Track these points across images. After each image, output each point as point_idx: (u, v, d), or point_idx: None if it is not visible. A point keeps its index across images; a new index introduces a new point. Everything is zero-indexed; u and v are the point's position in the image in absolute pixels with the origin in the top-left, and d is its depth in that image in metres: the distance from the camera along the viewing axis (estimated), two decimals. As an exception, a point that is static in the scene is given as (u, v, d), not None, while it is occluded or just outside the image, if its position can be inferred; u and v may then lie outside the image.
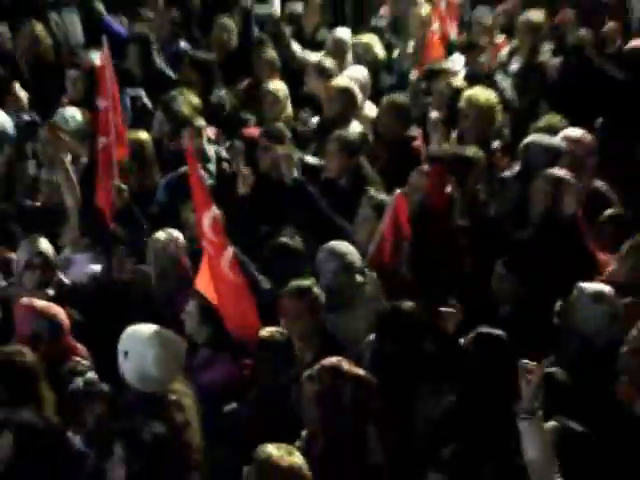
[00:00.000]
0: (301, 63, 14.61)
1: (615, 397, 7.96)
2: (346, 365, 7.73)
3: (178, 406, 8.02)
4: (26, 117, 12.87)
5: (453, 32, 14.85)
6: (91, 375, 8.25)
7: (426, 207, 9.82)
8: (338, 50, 14.31)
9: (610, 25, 14.46)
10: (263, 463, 6.88)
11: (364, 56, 14.13)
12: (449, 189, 10.11)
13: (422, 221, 9.70)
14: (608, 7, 15.99)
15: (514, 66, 13.62)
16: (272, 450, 6.90)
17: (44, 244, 9.94)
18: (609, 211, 10.45)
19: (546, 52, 13.77)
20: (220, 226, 9.14)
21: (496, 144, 11.73)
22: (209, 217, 9.02)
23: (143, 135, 11.54)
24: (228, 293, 9.01)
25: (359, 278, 9.35)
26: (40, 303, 8.91)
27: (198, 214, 9.23)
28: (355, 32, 15.24)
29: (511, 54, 13.97)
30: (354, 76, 12.95)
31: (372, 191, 10.42)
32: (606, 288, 8.67)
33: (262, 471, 6.89)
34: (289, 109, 12.85)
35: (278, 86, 12.93)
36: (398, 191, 9.91)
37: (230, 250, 9.09)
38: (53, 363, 8.61)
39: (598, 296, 8.54)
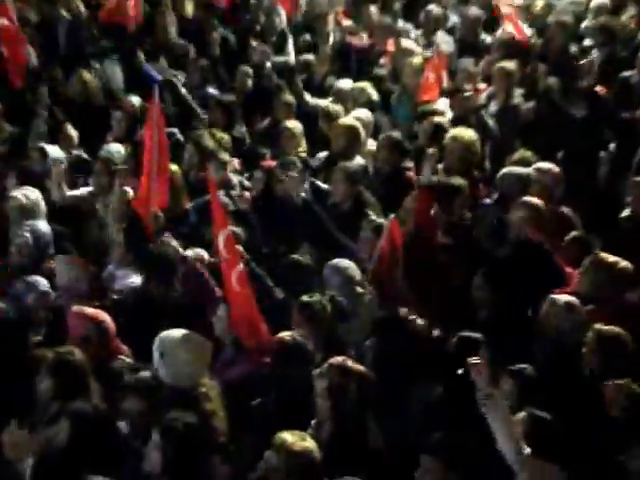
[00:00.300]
0: (310, 106, 14.59)
1: (582, 390, 8.06)
2: (350, 363, 7.80)
3: (206, 397, 8.08)
4: (76, 153, 12.81)
5: (445, 79, 14.82)
6: (145, 373, 8.20)
7: (415, 226, 9.79)
8: (340, 98, 14.29)
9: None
10: (280, 447, 6.99)
11: (359, 98, 14.13)
12: (434, 211, 10.20)
13: (412, 238, 9.67)
14: (576, 59, 16.06)
15: (492, 108, 13.61)
16: (288, 436, 7.03)
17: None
18: (573, 233, 10.43)
19: (518, 96, 13.75)
20: (233, 244, 9.14)
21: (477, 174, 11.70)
22: (223, 236, 9.02)
23: (173, 167, 11.54)
24: (236, 303, 9.02)
25: (359, 289, 9.36)
26: (90, 310, 8.94)
27: (215, 233, 9.23)
28: (358, 80, 15.24)
29: (489, 98, 13.95)
30: (359, 117, 12.96)
31: (372, 216, 10.43)
32: (574, 299, 8.79)
33: (280, 454, 6.99)
34: (303, 144, 12.85)
35: (294, 125, 12.99)
36: (392, 216, 9.97)
37: (240, 265, 9.07)
38: (101, 361, 8.65)
39: (570, 307, 8.69)
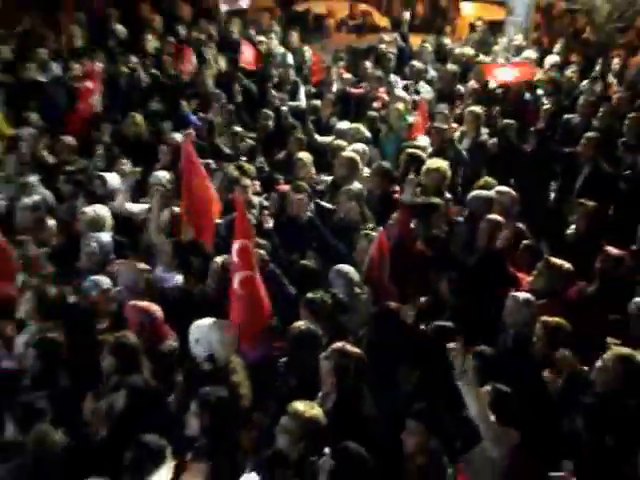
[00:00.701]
0: (317, 142, 14.67)
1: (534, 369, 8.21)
2: (349, 348, 7.87)
3: (234, 371, 8.18)
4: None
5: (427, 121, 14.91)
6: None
7: (398, 237, 9.94)
8: (340, 135, 14.45)
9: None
10: (293, 414, 7.08)
11: (355, 136, 14.20)
12: (414, 225, 10.39)
13: (396, 247, 9.81)
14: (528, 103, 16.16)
15: (464, 143, 13.68)
16: (299, 405, 7.13)
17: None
18: (525, 242, 10.55)
19: (484, 134, 13.83)
20: (245, 252, 9.08)
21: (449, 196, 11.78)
22: (238, 245, 9.04)
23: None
24: (233, 301, 9.07)
25: (357, 289, 9.41)
26: (143, 304, 9.06)
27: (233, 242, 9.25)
28: (356, 120, 15.31)
29: (462, 135, 14.00)
30: (357, 149, 13.02)
31: (367, 229, 10.50)
32: (531, 296, 8.91)
33: (293, 419, 7.07)
34: (312, 171, 12.92)
35: (305, 156, 13.02)
36: (381, 229, 10.12)
37: (247, 271, 9.05)
38: (152, 344, 8.75)
39: (527, 302, 8.81)
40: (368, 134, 14.65)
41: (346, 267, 9.61)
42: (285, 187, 12.32)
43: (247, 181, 12.24)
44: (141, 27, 20.53)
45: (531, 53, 19.40)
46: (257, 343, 9.07)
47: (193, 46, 19.30)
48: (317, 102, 16.74)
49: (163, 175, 12.48)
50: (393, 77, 17.77)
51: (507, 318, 8.93)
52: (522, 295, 8.97)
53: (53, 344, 8.69)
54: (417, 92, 16.88)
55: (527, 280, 9.85)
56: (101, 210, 11.29)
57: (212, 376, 8.07)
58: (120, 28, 20.06)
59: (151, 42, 19.42)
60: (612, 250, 9.67)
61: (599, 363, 7.67)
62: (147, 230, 11.25)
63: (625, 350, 7.70)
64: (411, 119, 14.85)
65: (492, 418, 7.16)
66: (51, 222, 11.48)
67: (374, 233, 10.22)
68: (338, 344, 7.90)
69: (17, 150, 13.80)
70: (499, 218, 10.39)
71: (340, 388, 7.72)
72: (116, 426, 7.79)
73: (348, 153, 12.71)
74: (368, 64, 18.61)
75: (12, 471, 7.22)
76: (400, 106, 15.42)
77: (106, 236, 10.92)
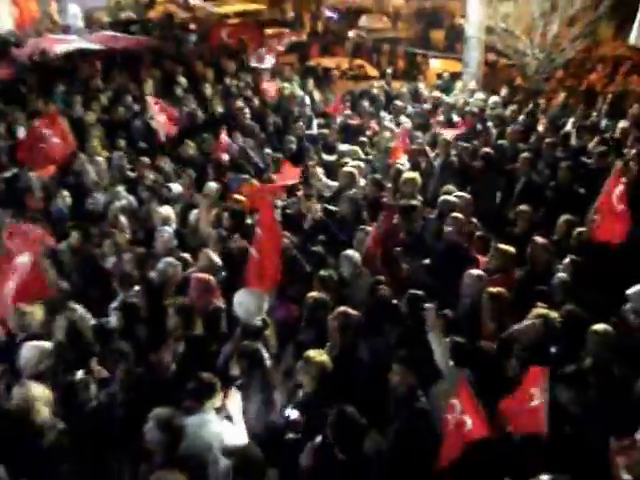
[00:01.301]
0: (325, 160, 14.68)
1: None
2: (351, 311, 7.84)
3: (266, 326, 8.20)
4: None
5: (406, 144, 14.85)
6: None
7: (385, 231, 9.86)
8: (342, 155, 14.64)
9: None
10: (306, 359, 7.08)
11: (353, 155, 14.24)
12: (396, 221, 10.32)
13: (384, 237, 9.76)
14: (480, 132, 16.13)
15: (437, 162, 13.66)
16: (311, 352, 7.13)
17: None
18: (478, 233, 10.55)
19: (453, 155, 13.78)
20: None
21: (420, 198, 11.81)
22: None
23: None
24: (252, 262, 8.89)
25: (359, 269, 9.36)
26: (203, 275, 9.14)
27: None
28: (353, 144, 15.32)
29: (436, 155, 13.97)
30: (355, 165, 13.00)
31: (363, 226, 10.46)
32: (481, 272, 9.00)
33: (306, 363, 7.09)
34: (323, 181, 12.96)
35: (318, 170, 13.14)
36: (374, 224, 10.08)
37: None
38: (206, 305, 8.74)
39: (479, 277, 8.86)
40: (362, 154, 14.66)
41: (351, 252, 9.55)
42: (300, 194, 12.23)
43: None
44: (197, 78, 20.55)
45: (480, 95, 19.40)
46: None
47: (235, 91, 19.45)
48: (325, 130, 16.69)
49: (213, 185, 12.47)
50: (382, 113, 17.73)
51: (465, 289, 8.91)
52: (475, 272, 8.99)
53: (133, 307, 8.73)
54: (398, 124, 16.79)
55: (483, 261, 9.84)
56: (168, 210, 11.27)
57: (249, 333, 8.09)
58: (182, 79, 20.03)
59: (206, 89, 19.36)
60: (539, 239, 9.68)
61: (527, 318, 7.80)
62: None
63: (544, 310, 7.83)
64: (394, 143, 14.78)
65: (451, 363, 7.26)
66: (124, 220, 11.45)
67: (369, 228, 10.21)
68: (342, 308, 7.89)
69: (110, 168, 13.80)
70: (460, 215, 10.32)
71: (343, 341, 7.72)
72: (179, 366, 7.87)
73: (348, 168, 12.67)
74: (365, 103, 18.54)
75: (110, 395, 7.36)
76: (387, 134, 15.46)
77: (170, 229, 10.91)
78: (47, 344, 7.85)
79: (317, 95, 19.73)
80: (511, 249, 9.55)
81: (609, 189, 9.75)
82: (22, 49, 25.25)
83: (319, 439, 6.51)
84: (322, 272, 9.10)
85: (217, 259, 9.80)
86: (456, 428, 6.35)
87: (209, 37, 27.68)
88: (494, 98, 18.94)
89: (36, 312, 8.54)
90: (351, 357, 7.69)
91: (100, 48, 24.30)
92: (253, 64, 21.64)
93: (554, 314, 7.76)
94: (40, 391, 6.94)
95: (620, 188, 9.61)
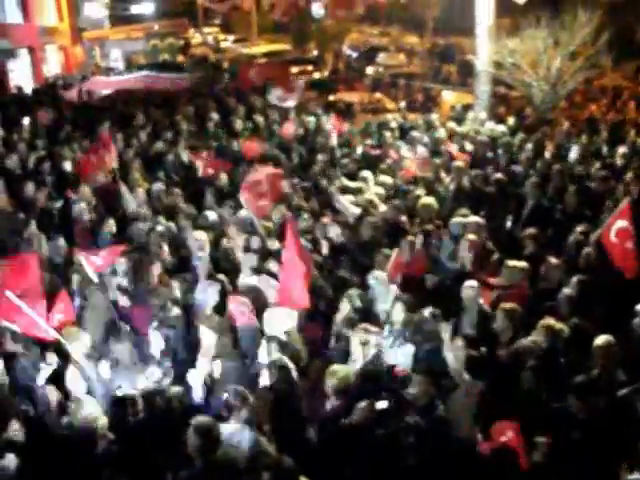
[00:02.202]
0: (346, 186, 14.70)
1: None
2: (372, 327, 8.00)
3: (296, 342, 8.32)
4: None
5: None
6: None
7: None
8: (364, 180, 14.51)
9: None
10: (331, 373, 7.25)
11: (375, 181, 14.42)
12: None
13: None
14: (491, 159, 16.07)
15: (451, 187, 13.77)
16: (335, 366, 7.34)
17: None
18: (495, 255, 10.53)
19: (466, 181, 13.74)
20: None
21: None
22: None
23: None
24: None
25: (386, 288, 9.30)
26: (239, 297, 9.09)
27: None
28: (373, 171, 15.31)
29: (451, 181, 14.03)
30: (376, 192, 13.17)
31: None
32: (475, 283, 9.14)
33: (330, 377, 7.25)
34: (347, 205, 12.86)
35: (341, 197, 13.02)
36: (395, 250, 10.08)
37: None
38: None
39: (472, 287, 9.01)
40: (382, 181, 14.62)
41: (379, 272, 9.48)
42: (326, 219, 12.11)
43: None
44: (229, 113, 20.72)
45: (491, 124, 19.39)
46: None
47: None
48: (347, 159, 16.71)
49: (245, 213, 12.46)
50: (399, 142, 17.71)
51: (464, 303, 8.96)
52: (468, 283, 9.02)
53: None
54: (414, 153, 16.74)
55: (495, 281, 9.77)
56: (202, 236, 11.29)
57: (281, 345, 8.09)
58: (214, 115, 20.25)
59: (237, 124, 19.54)
60: (552, 260, 9.65)
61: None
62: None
63: (552, 321, 7.85)
64: (407, 168, 14.86)
65: (465, 375, 7.21)
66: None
67: (388, 252, 10.19)
68: (363, 324, 7.88)
69: (150, 198, 13.92)
70: (473, 237, 10.33)
71: (364, 355, 7.70)
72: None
73: (369, 195, 12.68)
74: (388, 134, 18.55)
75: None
76: (405, 162, 15.48)
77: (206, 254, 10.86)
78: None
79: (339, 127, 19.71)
80: (520, 264, 9.54)
81: (610, 222, 9.69)
82: (69, 91, 25.66)
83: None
84: (350, 291, 9.08)
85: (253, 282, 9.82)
86: None
87: (239, 76, 28.00)
88: (503, 127, 18.92)
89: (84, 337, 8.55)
90: (372, 371, 7.64)
91: (139, 88, 24.69)
92: (274, 102, 21.78)
93: (560, 325, 7.78)
94: (93, 405, 7.01)
95: (624, 224, 9.50)
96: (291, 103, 21.65)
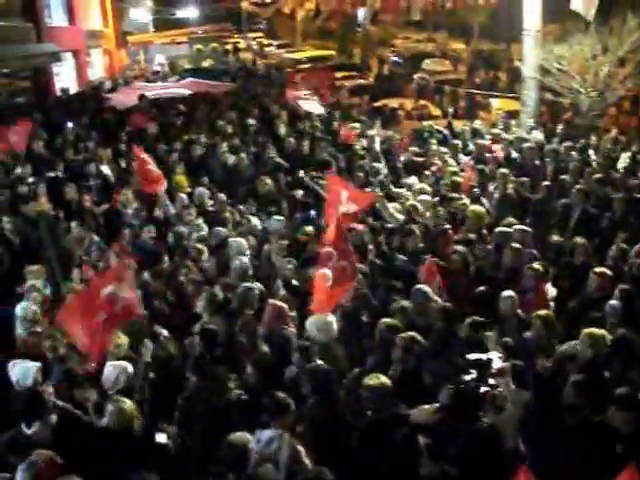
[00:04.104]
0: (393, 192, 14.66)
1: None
2: (416, 337, 7.87)
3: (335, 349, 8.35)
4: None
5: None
6: None
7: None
8: (407, 188, 14.55)
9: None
10: (368, 380, 7.07)
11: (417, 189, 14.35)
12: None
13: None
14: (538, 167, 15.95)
15: (495, 195, 13.83)
16: (372, 374, 7.16)
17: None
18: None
19: (511, 189, 13.73)
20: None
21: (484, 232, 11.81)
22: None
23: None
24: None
25: (429, 301, 9.22)
26: (278, 302, 9.18)
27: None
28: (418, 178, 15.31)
29: (495, 188, 14.05)
30: (419, 199, 13.22)
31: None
32: (512, 293, 9.10)
33: (367, 384, 7.00)
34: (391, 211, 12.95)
35: (387, 204, 13.10)
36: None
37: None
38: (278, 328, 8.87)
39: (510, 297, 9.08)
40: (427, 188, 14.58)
41: (423, 286, 9.34)
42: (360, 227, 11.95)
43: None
44: (272, 119, 20.87)
45: (537, 131, 19.29)
46: None
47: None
48: (392, 166, 16.72)
49: (281, 219, 12.64)
50: (444, 149, 17.64)
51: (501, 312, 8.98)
52: (505, 293, 9.00)
53: (212, 332, 8.79)
54: (458, 160, 16.73)
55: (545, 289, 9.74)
56: (241, 241, 11.38)
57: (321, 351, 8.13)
58: (252, 121, 20.54)
59: (281, 129, 19.69)
60: (599, 271, 9.54)
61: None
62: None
63: (595, 330, 7.78)
64: (462, 178, 14.75)
65: (511, 384, 7.16)
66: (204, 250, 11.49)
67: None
68: (407, 334, 7.83)
69: (192, 202, 14.04)
70: (518, 246, 10.31)
71: (405, 362, 7.68)
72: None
73: (413, 201, 12.72)
74: (433, 141, 18.50)
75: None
76: (450, 169, 15.42)
77: (245, 258, 10.84)
78: (124, 363, 7.99)
79: (384, 133, 19.69)
80: (540, 268, 9.59)
81: None
82: (114, 94, 25.99)
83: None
84: (399, 301, 9.10)
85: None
86: None
87: (283, 81, 28.15)
88: (549, 134, 18.81)
89: (123, 338, 8.64)
90: (414, 379, 7.62)
91: (183, 93, 24.94)
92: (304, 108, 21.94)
93: (603, 332, 7.71)
94: (130, 404, 7.10)
95: None
96: (317, 110, 21.83)
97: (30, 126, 17.44)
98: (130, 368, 7.87)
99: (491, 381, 6.91)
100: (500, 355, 7.35)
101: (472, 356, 7.13)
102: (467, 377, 6.91)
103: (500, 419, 6.86)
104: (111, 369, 7.84)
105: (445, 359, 7.93)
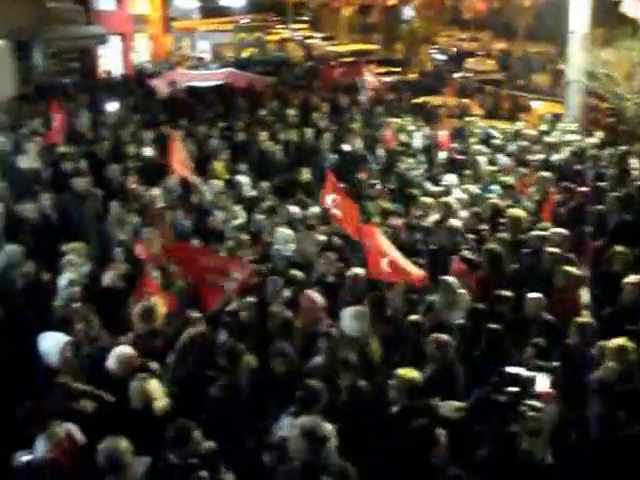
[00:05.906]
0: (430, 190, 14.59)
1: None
2: (448, 338, 7.85)
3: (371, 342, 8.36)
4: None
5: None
6: None
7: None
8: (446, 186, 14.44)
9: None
10: (397, 376, 7.13)
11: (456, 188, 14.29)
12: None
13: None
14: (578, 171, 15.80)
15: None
16: (401, 370, 7.15)
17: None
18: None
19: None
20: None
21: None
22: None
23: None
24: None
25: (456, 295, 9.24)
26: (313, 293, 9.16)
27: None
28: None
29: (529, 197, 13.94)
30: (456, 197, 13.17)
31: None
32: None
33: (396, 380, 7.08)
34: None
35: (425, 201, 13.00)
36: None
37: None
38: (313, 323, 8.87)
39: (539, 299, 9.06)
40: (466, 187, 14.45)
41: (450, 278, 9.35)
42: (398, 222, 12.08)
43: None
44: (312, 110, 20.89)
45: (580, 136, 19.05)
46: None
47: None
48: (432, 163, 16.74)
49: (317, 209, 12.58)
50: (484, 149, 17.49)
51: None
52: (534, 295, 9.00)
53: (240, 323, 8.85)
54: (497, 161, 16.62)
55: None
56: (286, 230, 11.32)
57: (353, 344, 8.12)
58: (291, 111, 20.56)
59: (320, 120, 19.68)
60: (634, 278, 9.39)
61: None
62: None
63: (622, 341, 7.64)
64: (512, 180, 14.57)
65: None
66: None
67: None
68: (440, 335, 7.79)
69: (230, 189, 14.11)
70: (555, 250, 10.26)
71: (439, 360, 7.66)
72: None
73: (448, 199, 12.68)
74: (472, 140, 18.38)
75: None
76: (490, 169, 15.36)
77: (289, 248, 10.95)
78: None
79: (425, 131, 19.60)
80: (575, 271, 9.60)
81: None
82: (156, 79, 26.15)
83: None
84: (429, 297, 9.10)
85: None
86: None
87: (324, 73, 28.15)
88: (592, 140, 18.60)
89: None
90: (448, 376, 7.59)
91: (224, 83, 25.08)
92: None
93: (631, 345, 7.57)
94: (154, 384, 7.15)
95: None
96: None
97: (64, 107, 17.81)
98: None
99: (531, 401, 6.68)
100: (547, 378, 7.28)
101: (511, 369, 7.05)
102: (502, 389, 6.85)
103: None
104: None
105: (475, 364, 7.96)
